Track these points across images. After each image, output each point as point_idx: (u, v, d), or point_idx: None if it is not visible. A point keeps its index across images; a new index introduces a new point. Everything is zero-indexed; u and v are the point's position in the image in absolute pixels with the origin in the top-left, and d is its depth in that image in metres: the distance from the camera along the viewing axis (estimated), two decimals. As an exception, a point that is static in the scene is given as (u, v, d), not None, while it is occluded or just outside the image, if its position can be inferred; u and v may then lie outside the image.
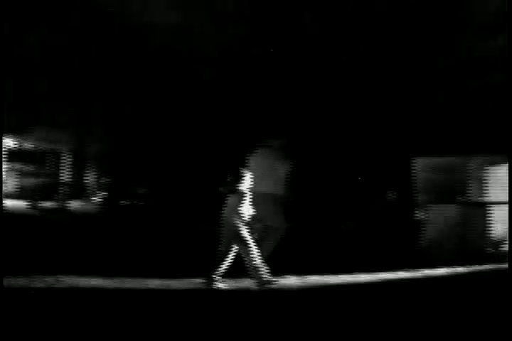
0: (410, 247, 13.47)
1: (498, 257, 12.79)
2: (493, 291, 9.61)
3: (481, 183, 14.81)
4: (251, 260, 9.08)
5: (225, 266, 9.19)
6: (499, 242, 13.65)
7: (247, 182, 9.24)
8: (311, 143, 18.70)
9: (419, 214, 14.64)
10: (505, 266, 11.78)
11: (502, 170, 14.51)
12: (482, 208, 13.90)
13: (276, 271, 9.73)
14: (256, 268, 9.13)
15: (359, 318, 7.85)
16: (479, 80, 17.87)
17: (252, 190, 9.54)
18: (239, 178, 9.14)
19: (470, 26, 17.77)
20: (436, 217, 13.88)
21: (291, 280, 10.04)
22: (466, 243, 13.08)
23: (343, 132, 18.69)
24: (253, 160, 10.63)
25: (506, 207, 13.66)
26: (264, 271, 9.20)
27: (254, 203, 9.44)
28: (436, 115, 18.54)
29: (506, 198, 13.87)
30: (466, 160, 15.33)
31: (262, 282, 9.20)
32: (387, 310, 8.29)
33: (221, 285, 9.20)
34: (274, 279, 9.39)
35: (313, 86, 18.78)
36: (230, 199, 9.19)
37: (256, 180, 9.67)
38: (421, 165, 16.03)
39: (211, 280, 9.17)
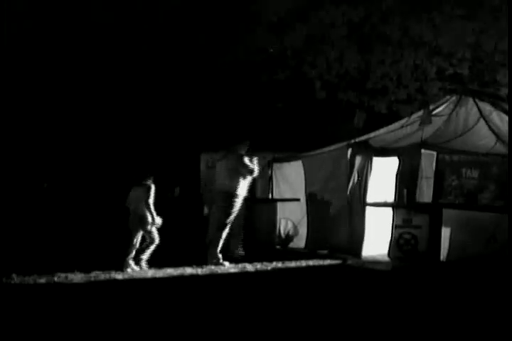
0: (196, 243, 13.06)
1: (285, 254, 12.68)
2: (277, 288, 9.41)
3: (268, 180, 14.74)
4: (147, 245, 10.38)
5: (134, 250, 10.35)
6: (287, 239, 13.61)
7: (153, 177, 10.40)
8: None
9: (205, 210, 14.26)
10: (293, 264, 11.70)
11: (287, 168, 14.51)
12: (268, 204, 13.79)
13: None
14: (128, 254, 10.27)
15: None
16: (269, 77, 17.94)
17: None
18: (147, 173, 10.36)
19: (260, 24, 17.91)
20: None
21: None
22: (253, 240, 12.84)
23: (132, 126, 18.10)
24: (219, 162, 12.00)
25: (292, 204, 13.72)
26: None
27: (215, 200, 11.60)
28: (222, 112, 18.37)
29: (292, 195, 13.91)
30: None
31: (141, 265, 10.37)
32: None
33: (135, 267, 10.27)
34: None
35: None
36: (136, 192, 10.33)
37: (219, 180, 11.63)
38: (206, 161, 15.72)
39: (126, 264, 10.19)
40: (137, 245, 10.45)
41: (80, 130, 18.10)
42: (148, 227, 10.30)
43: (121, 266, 10.22)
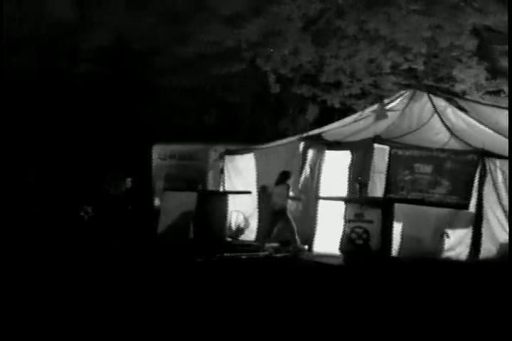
0: (146, 234, 12.95)
1: (236, 246, 12.57)
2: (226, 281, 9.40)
3: (219, 172, 14.55)
4: (292, 234, 12.18)
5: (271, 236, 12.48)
6: (238, 232, 13.47)
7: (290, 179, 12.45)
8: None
9: (157, 201, 14.12)
10: (243, 256, 11.62)
11: (239, 161, 14.33)
12: (220, 197, 13.60)
13: None
14: (294, 240, 12.20)
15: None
16: (221, 69, 17.73)
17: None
18: (286, 175, 12.34)
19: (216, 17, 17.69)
20: (173, 205, 13.34)
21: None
22: (204, 232, 12.68)
23: (81, 119, 17.74)
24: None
25: (244, 197, 13.57)
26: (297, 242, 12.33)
27: None
28: (176, 102, 18.14)
29: (244, 188, 13.74)
30: (206, 148, 15.04)
31: (295, 251, 12.10)
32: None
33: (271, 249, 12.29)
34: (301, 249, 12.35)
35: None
36: (278, 189, 12.35)
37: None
38: (159, 152, 15.52)
39: (263, 247, 12.27)
40: (275, 232, 12.49)
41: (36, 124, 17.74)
42: (288, 217, 12.22)
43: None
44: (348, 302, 8.04)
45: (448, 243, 10.91)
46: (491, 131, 12.18)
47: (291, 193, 12.48)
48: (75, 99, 18.13)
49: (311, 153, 12.76)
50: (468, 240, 10.71)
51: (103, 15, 18.19)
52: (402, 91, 13.55)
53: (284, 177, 12.45)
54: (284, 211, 12.31)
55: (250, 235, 13.39)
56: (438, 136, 11.87)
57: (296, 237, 12.16)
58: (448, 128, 11.97)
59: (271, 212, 12.55)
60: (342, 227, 11.45)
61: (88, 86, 18.20)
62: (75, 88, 18.32)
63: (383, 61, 16.35)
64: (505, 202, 10.88)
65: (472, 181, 10.76)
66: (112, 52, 18.33)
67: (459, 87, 15.74)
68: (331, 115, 14.77)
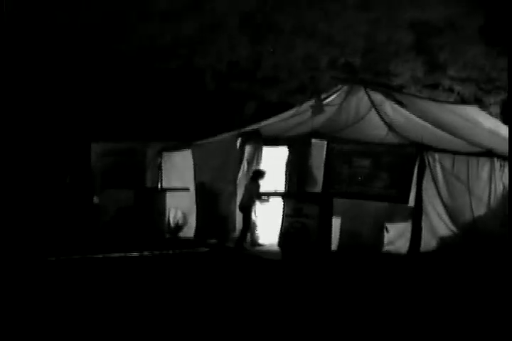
0: (85, 231, 12.73)
1: (176, 243, 12.44)
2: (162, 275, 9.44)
3: (157, 169, 14.33)
4: (245, 231, 12.18)
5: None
6: (176, 228, 13.31)
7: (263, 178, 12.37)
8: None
9: (95, 198, 13.92)
10: (181, 252, 11.52)
11: (177, 157, 14.15)
12: (158, 194, 13.45)
13: None
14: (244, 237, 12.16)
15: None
16: (159, 67, 17.49)
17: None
18: (258, 174, 12.24)
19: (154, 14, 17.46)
20: (111, 202, 13.27)
21: None
22: (143, 229, 12.55)
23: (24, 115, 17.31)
24: None
25: (182, 193, 13.41)
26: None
27: None
28: (113, 100, 17.82)
29: (182, 185, 13.57)
30: (143, 145, 14.79)
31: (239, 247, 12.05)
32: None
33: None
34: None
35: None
36: (248, 186, 12.25)
37: None
38: (97, 150, 15.24)
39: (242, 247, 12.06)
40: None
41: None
42: (250, 215, 12.22)
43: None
44: (283, 297, 8.03)
45: (387, 237, 10.93)
46: (429, 125, 12.23)
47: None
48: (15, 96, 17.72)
49: (248, 148, 12.65)
50: (407, 234, 10.70)
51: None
52: (339, 86, 13.49)
53: (256, 175, 12.34)
54: (249, 208, 12.22)
55: (189, 232, 13.23)
56: (376, 130, 11.83)
57: (247, 235, 12.13)
58: (385, 123, 11.94)
59: (239, 208, 12.42)
60: (281, 222, 11.42)
61: (29, 83, 17.79)
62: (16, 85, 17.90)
63: (320, 56, 16.35)
64: (444, 195, 10.94)
65: (411, 175, 10.74)
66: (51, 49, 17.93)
67: (396, 81, 15.85)
68: (268, 110, 14.63)
